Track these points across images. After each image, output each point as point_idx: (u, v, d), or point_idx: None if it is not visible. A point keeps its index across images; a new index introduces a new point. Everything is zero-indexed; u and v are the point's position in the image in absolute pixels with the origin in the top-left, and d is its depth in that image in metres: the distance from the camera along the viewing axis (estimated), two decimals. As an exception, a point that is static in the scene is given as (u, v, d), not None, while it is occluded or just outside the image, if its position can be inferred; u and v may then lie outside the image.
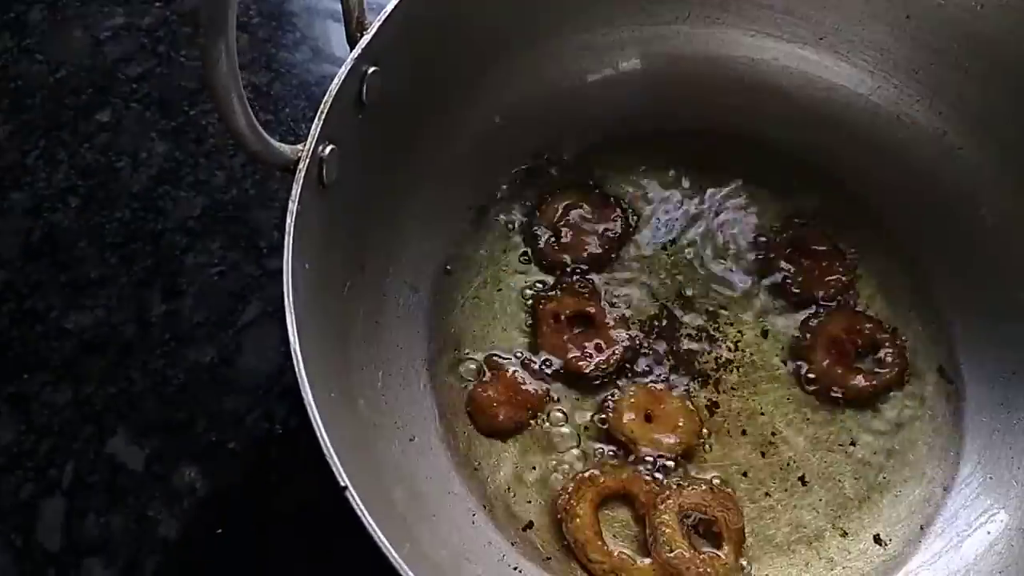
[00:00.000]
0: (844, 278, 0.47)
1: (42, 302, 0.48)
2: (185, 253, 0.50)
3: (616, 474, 0.41)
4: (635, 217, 0.48)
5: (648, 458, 0.42)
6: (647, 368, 0.44)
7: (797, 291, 0.46)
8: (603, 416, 0.43)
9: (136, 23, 0.58)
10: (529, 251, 0.47)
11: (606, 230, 0.47)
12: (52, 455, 0.44)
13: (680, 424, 0.42)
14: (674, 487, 0.41)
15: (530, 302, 0.46)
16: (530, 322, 0.45)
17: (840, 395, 0.44)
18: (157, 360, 0.46)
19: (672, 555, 0.39)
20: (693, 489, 0.41)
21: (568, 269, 0.46)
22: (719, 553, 0.39)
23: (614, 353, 0.44)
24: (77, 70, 0.55)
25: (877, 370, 0.44)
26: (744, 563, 0.40)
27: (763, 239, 0.48)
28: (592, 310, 0.45)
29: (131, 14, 0.58)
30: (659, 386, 0.44)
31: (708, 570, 0.39)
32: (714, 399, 0.44)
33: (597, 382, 0.44)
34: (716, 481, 0.42)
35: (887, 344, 0.45)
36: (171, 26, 0.58)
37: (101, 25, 0.57)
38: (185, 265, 0.49)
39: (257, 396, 0.46)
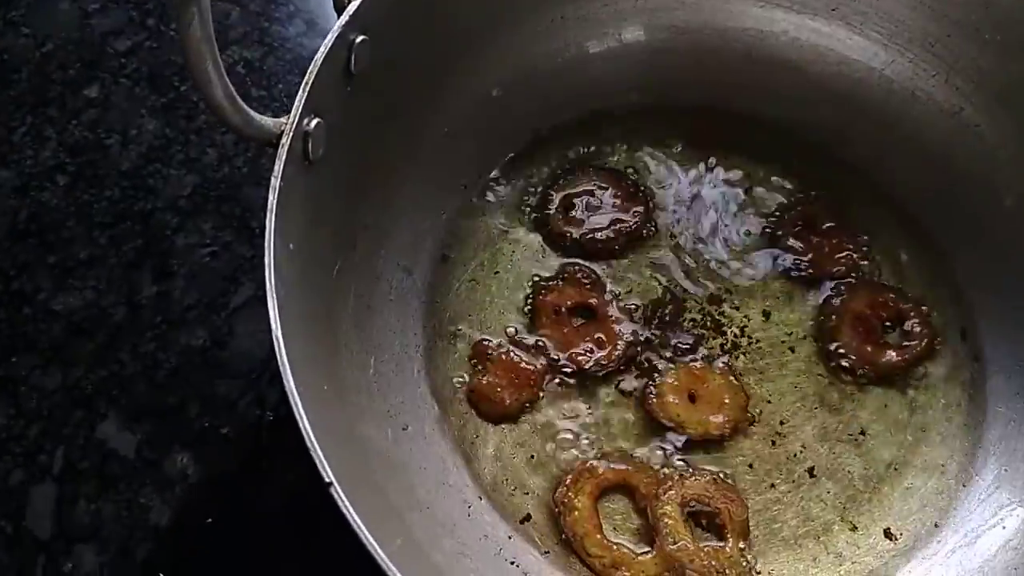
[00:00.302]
0: (855, 254, 0.45)
1: (30, 283, 0.47)
2: (176, 233, 0.49)
3: (618, 464, 0.40)
4: (655, 217, 0.46)
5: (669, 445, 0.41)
6: (648, 360, 0.43)
7: (809, 270, 0.45)
8: (648, 404, 0.41)
9: (125, -5, 0.56)
10: (535, 216, 0.45)
11: (621, 221, 0.45)
12: (42, 440, 0.43)
13: (726, 401, 0.41)
14: (676, 478, 0.39)
15: (529, 284, 0.45)
16: (528, 306, 0.44)
17: (871, 374, 0.42)
18: (148, 343, 0.46)
19: (675, 547, 0.38)
20: (696, 480, 0.39)
21: (568, 246, 0.45)
22: (723, 545, 0.38)
23: (615, 348, 0.43)
24: (64, 44, 0.54)
25: (906, 343, 0.43)
26: (749, 557, 0.39)
27: (772, 218, 0.46)
28: (594, 302, 0.44)
29: (120, -14, 0.57)
30: (698, 364, 0.42)
31: (712, 562, 0.38)
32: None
33: (600, 375, 0.42)
34: (719, 472, 0.40)
35: (912, 315, 0.43)
36: (162, -2, 0.56)
37: (89, -3, 0.56)
38: (176, 246, 0.48)
39: (250, 380, 0.45)
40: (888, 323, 0.43)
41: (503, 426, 0.42)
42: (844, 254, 0.45)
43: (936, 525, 0.39)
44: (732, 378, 0.42)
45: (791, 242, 0.45)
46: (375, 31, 0.35)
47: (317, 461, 0.27)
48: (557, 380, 0.42)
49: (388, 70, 0.37)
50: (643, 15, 0.46)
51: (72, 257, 0.48)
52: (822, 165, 0.47)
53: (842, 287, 0.44)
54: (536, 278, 0.45)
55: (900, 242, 0.46)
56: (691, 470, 0.40)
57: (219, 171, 0.51)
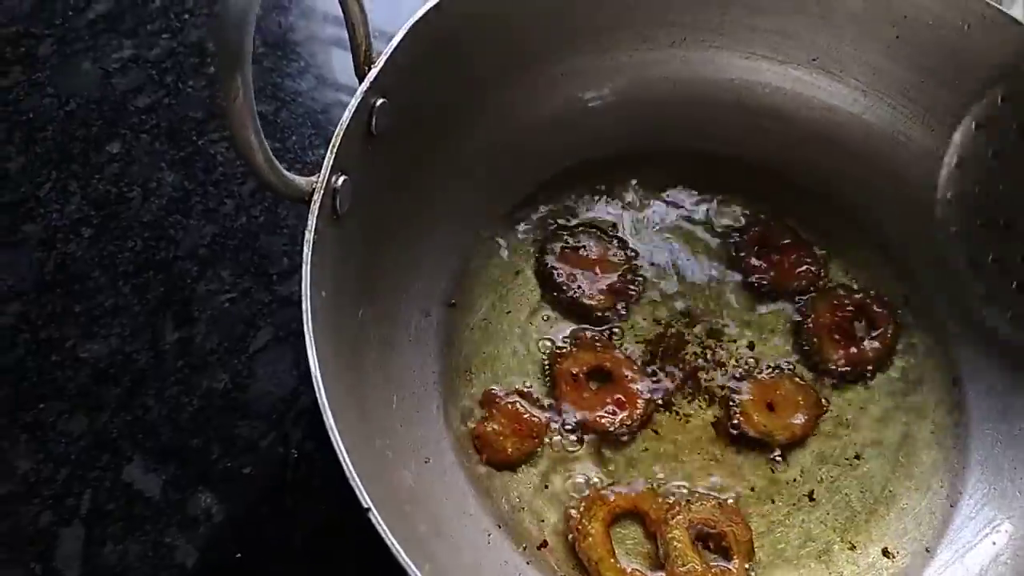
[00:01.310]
0: (813, 268, 0.48)
1: (57, 332, 0.48)
2: (196, 281, 0.50)
3: (627, 490, 0.42)
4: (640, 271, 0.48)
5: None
6: (664, 396, 0.45)
7: (769, 287, 0.47)
8: (734, 426, 0.43)
9: (144, 55, 0.58)
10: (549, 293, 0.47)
11: (608, 280, 0.47)
12: (69, 483, 0.44)
13: (800, 402, 0.43)
14: (683, 503, 0.41)
15: (537, 341, 0.46)
16: (541, 359, 0.45)
17: (869, 371, 0.45)
18: (171, 387, 0.47)
19: (684, 569, 0.39)
20: (702, 505, 0.41)
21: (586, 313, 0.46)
22: (730, 567, 0.40)
23: (636, 408, 0.44)
24: (87, 102, 0.56)
25: (873, 337, 0.45)
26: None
27: (732, 240, 0.48)
28: (609, 364, 0.45)
29: (139, 46, 0.59)
30: (765, 374, 0.44)
31: None
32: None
33: (624, 438, 0.43)
34: (724, 496, 0.42)
35: (875, 307, 0.46)
36: (178, 57, 0.59)
37: (110, 58, 0.58)
38: (197, 293, 0.50)
39: (271, 421, 0.46)
40: (858, 322, 0.46)
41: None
42: (803, 268, 0.47)
43: (930, 543, 0.41)
44: (798, 379, 0.44)
45: (753, 262, 0.48)
46: (393, 95, 0.37)
47: (355, 487, 0.28)
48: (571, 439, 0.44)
49: (405, 129, 0.39)
50: (637, 68, 0.49)
51: (98, 306, 0.49)
52: (812, 206, 0.49)
53: (803, 304, 0.47)
54: (549, 342, 0.46)
55: (886, 275, 0.48)
56: (696, 495, 0.42)
57: (236, 221, 0.52)
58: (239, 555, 0.42)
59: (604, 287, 0.47)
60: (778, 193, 0.50)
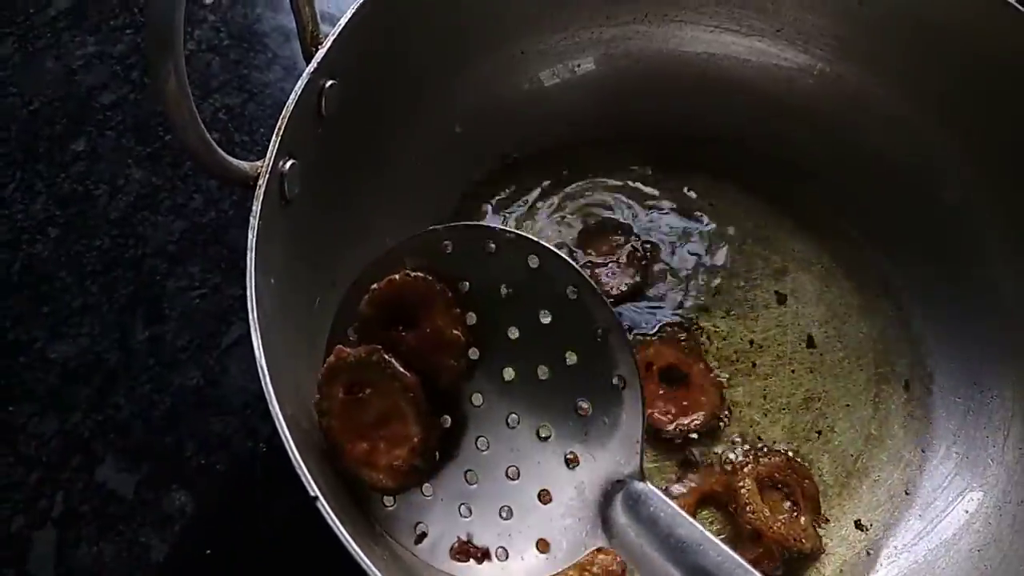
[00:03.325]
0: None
1: (25, 333, 0.47)
2: (166, 278, 0.49)
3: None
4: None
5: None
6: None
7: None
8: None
9: (108, 51, 0.57)
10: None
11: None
12: (41, 486, 0.43)
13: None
14: (752, 457, 0.41)
15: None
16: None
17: None
18: (143, 386, 0.46)
19: (753, 516, 0.39)
20: (770, 459, 0.40)
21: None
22: (797, 518, 0.39)
23: (697, 418, 0.41)
24: (51, 100, 0.55)
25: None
26: (822, 531, 0.39)
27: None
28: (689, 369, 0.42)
29: (103, 42, 0.58)
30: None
31: (788, 532, 0.39)
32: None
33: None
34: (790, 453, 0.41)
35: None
36: (143, 53, 0.58)
37: (73, 54, 0.57)
38: (167, 290, 0.49)
39: (243, 416, 0.45)
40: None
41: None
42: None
43: (902, 513, 0.40)
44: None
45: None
46: (343, 75, 0.36)
47: (302, 476, 0.27)
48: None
49: (356, 111, 0.38)
50: (600, 46, 0.48)
51: (65, 306, 0.48)
52: (780, 177, 0.48)
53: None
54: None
55: (854, 245, 0.47)
56: (765, 450, 0.41)
57: (205, 215, 0.51)
58: (210, 551, 0.42)
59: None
60: (744, 167, 0.49)
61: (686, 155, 0.49)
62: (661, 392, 0.42)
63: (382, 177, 0.42)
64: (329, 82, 0.35)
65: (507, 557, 0.30)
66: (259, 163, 0.32)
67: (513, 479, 0.31)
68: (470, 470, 0.31)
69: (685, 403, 0.42)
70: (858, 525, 0.40)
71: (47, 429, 0.45)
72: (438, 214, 0.46)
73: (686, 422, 0.41)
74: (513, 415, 0.31)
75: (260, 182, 0.32)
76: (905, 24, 0.43)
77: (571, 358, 0.30)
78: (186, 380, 0.46)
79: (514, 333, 0.31)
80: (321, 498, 0.27)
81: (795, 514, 0.39)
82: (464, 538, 0.31)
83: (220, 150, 0.31)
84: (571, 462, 0.30)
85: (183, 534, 0.42)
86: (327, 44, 0.35)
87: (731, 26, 0.48)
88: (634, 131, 0.49)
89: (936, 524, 0.39)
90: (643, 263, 0.46)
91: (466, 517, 0.31)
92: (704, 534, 0.27)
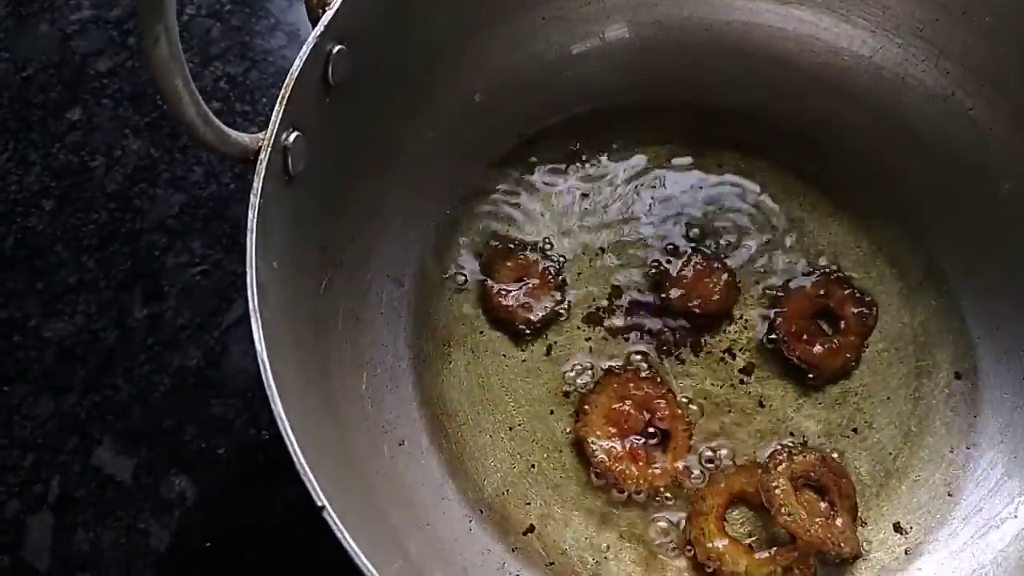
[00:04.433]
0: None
1: (19, 311, 0.45)
2: (165, 253, 0.47)
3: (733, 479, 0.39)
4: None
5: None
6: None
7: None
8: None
9: (104, 15, 0.54)
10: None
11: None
12: (37, 469, 0.42)
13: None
14: (784, 454, 0.38)
15: None
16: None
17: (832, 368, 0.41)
18: (141, 366, 0.44)
19: (790, 518, 0.36)
20: (804, 457, 0.38)
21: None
22: (835, 520, 0.37)
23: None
24: (45, 67, 0.52)
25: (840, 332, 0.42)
26: (860, 533, 0.37)
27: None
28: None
29: (98, 6, 0.55)
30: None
31: (826, 535, 0.36)
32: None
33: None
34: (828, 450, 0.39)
35: (845, 298, 0.42)
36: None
37: (67, 19, 0.54)
38: (166, 266, 0.47)
39: (245, 399, 0.43)
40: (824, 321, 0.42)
41: (502, 436, 0.40)
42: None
43: (944, 516, 0.38)
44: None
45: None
46: (352, 40, 0.33)
47: (309, 485, 0.25)
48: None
49: (368, 79, 0.35)
50: (626, 12, 0.45)
51: (61, 282, 0.46)
52: (815, 157, 0.45)
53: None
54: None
55: (895, 228, 0.44)
56: (799, 446, 0.39)
57: (206, 189, 0.49)
58: (212, 541, 0.40)
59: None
60: (778, 144, 0.46)
61: (717, 130, 0.46)
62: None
63: (394, 151, 0.40)
64: (337, 47, 0.32)
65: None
66: (261, 135, 0.29)
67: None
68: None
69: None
70: (897, 528, 0.38)
71: (42, 410, 0.43)
72: (454, 190, 0.44)
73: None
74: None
75: (262, 156, 0.29)
76: (958, -7, 0.40)
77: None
78: (186, 360, 0.44)
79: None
80: (329, 508, 0.24)
81: (832, 516, 0.37)
82: None
83: (217, 120, 0.28)
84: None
85: (183, 520, 0.41)
86: (334, 5, 0.32)
87: (767, -9, 0.44)
88: (662, 103, 0.46)
89: (985, 530, 0.37)
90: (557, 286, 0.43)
91: None
92: None
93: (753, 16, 0.45)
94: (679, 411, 0.40)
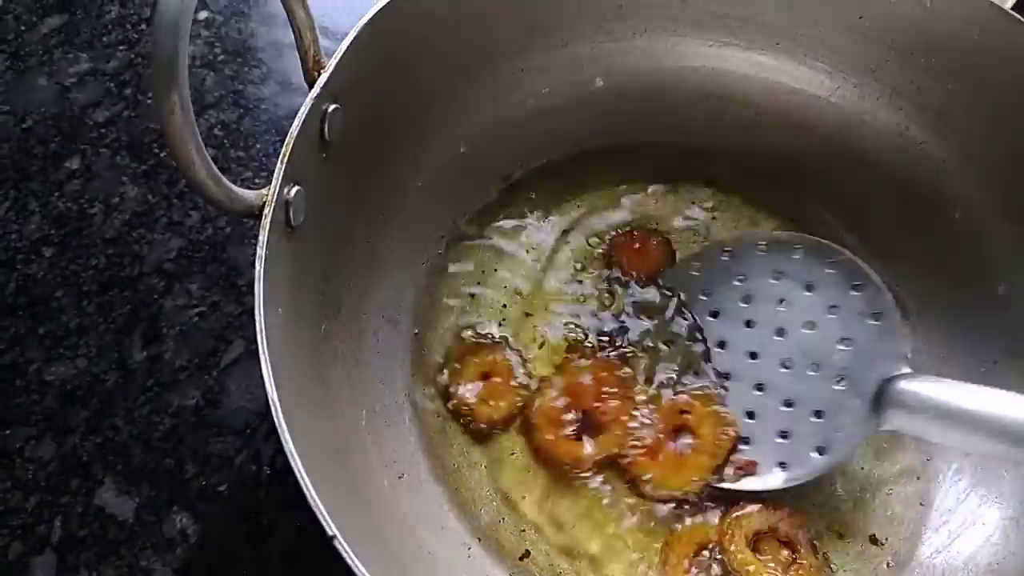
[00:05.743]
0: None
1: (21, 355, 0.46)
2: (163, 296, 0.48)
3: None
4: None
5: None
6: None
7: None
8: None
9: (101, 68, 0.56)
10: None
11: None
12: (39, 511, 0.42)
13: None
14: (732, 518, 0.38)
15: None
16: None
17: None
18: (141, 407, 0.44)
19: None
20: (749, 515, 0.38)
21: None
22: (800, 560, 0.38)
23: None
24: (44, 118, 0.53)
25: None
26: (830, 563, 0.38)
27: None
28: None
29: (96, 59, 0.56)
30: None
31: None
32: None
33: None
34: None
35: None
36: (136, 69, 0.56)
37: (66, 71, 0.55)
38: (164, 309, 0.47)
39: (245, 437, 0.44)
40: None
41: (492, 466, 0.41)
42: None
43: (918, 527, 0.39)
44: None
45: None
46: (345, 99, 0.34)
47: (320, 516, 0.26)
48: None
49: (360, 134, 0.36)
50: (599, 61, 0.46)
51: (62, 327, 0.46)
52: (783, 191, 0.47)
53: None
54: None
55: (861, 256, 0.45)
56: (740, 503, 0.39)
57: (203, 233, 0.50)
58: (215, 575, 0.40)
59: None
60: (746, 181, 0.48)
61: (690, 170, 0.48)
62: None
63: (386, 199, 0.41)
64: (332, 107, 0.34)
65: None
66: (264, 191, 0.31)
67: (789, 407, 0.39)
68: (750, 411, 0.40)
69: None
70: (873, 540, 0.39)
71: (44, 453, 0.43)
72: (444, 236, 0.45)
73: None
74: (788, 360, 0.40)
75: (266, 212, 0.30)
76: (906, 35, 0.42)
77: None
78: (185, 400, 0.45)
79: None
80: (339, 536, 0.25)
81: (795, 559, 0.38)
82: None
83: (225, 180, 0.29)
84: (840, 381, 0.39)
85: (185, 557, 0.41)
86: (330, 68, 0.33)
87: (731, 40, 0.46)
88: (636, 146, 0.48)
89: (953, 538, 0.38)
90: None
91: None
92: (989, 391, 0.33)
93: (719, 62, 0.47)
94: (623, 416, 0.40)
